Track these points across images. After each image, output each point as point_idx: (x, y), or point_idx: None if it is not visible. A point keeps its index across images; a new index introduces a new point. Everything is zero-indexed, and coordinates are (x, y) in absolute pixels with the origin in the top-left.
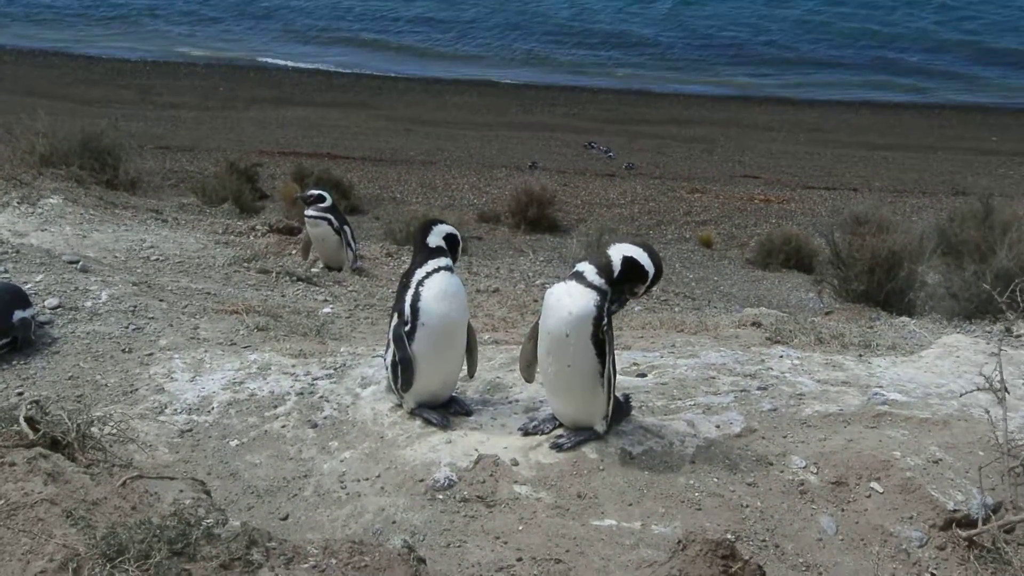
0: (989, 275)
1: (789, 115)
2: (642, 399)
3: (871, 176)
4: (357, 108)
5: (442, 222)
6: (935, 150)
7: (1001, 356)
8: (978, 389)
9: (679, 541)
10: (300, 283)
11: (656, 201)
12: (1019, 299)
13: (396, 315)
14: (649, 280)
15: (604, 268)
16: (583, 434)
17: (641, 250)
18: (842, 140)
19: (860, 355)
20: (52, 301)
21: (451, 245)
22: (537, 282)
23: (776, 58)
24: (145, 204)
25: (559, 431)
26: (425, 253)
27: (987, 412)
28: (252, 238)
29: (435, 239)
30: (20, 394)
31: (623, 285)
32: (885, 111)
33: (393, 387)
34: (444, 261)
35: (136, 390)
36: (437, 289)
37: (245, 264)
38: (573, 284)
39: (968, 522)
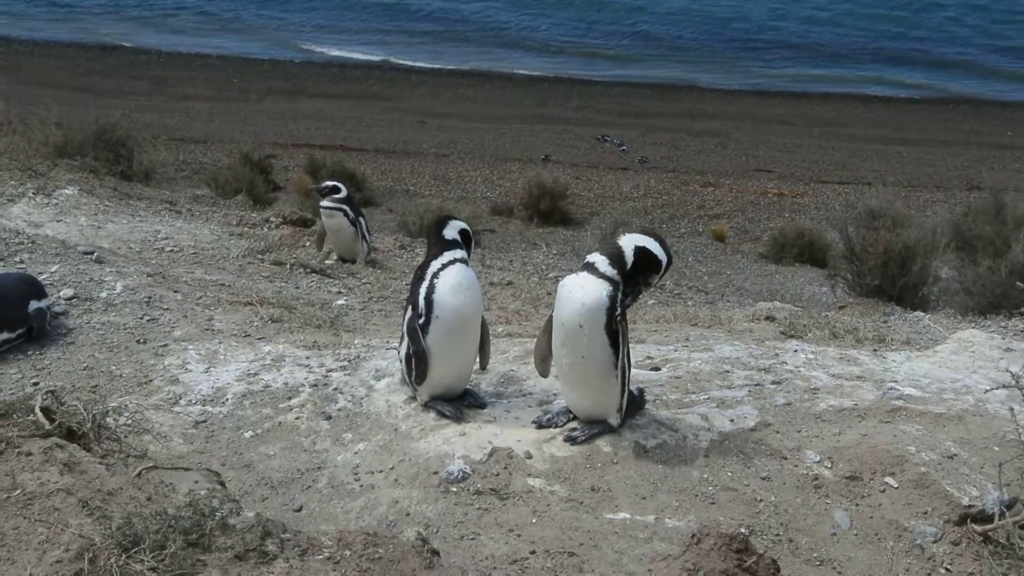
0: (1004, 270)
1: (803, 109)
2: (656, 392)
3: (885, 170)
4: (370, 100)
5: (456, 218)
6: (949, 145)
7: (1017, 351)
8: (1004, 386)
9: (693, 535)
10: (314, 275)
11: (669, 195)
12: None
13: (410, 308)
14: (663, 270)
15: (616, 258)
16: (597, 427)
17: (653, 239)
18: (856, 134)
19: (875, 350)
20: (67, 292)
21: (465, 241)
22: (550, 275)
23: (790, 52)
24: (159, 195)
25: (573, 424)
26: (441, 245)
27: (1011, 409)
28: (266, 230)
29: (451, 232)
30: (36, 384)
31: (637, 276)
32: (899, 105)
33: (407, 379)
34: (459, 253)
35: (151, 381)
36: (452, 282)
37: (259, 256)
38: (585, 275)
39: (983, 518)
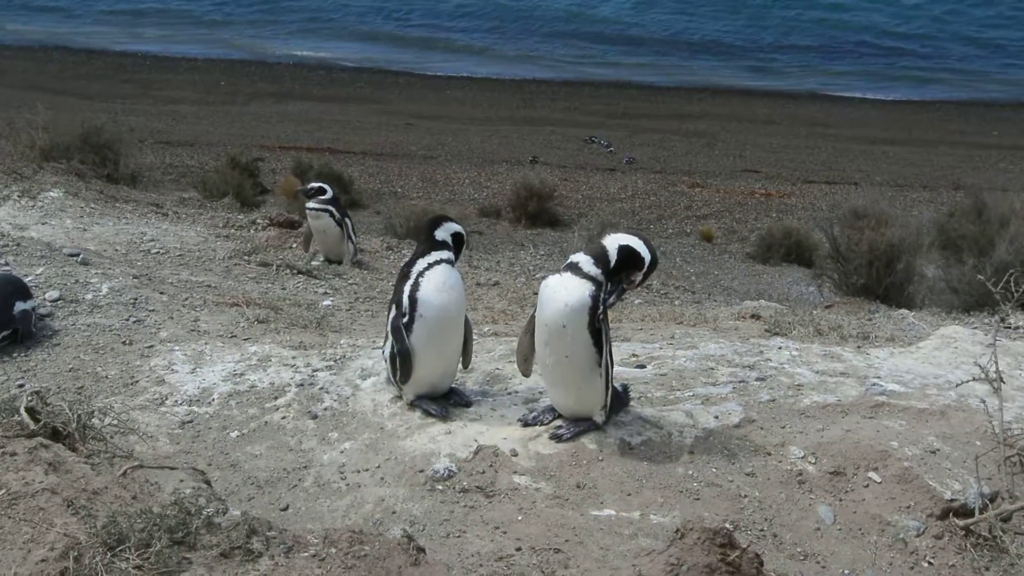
0: (989, 268)
1: (790, 109)
2: (641, 390)
3: (872, 170)
4: (358, 103)
5: (453, 221)
6: (936, 144)
7: (996, 346)
8: (973, 379)
9: (677, 530)
10: (300, 276)
11: (657, 195)
12: (1014, 289)
13: (394, 307)
14: (646, 267)
15: (600, 258)
16: (582, 425)
17: (637, 238)
18: (843, 135)
19: (858, 347)
20: (53, 293)
21: (456, 243)
22: (537, 275)
23: (777, 53)
24: (146, 198)
25: (558, 422)
26: (429, 243)
27: (983, 402)
28: (252, 231)
29: (442, 233)
30: (21, 386)
31: (620, 274)
32: (886, 105)
33: (392, 379)
34: (446, 254)
35: (137, 382)
36: (437, 281)
37: (245, 257)
38: (568, 275)
39: (965, 511)
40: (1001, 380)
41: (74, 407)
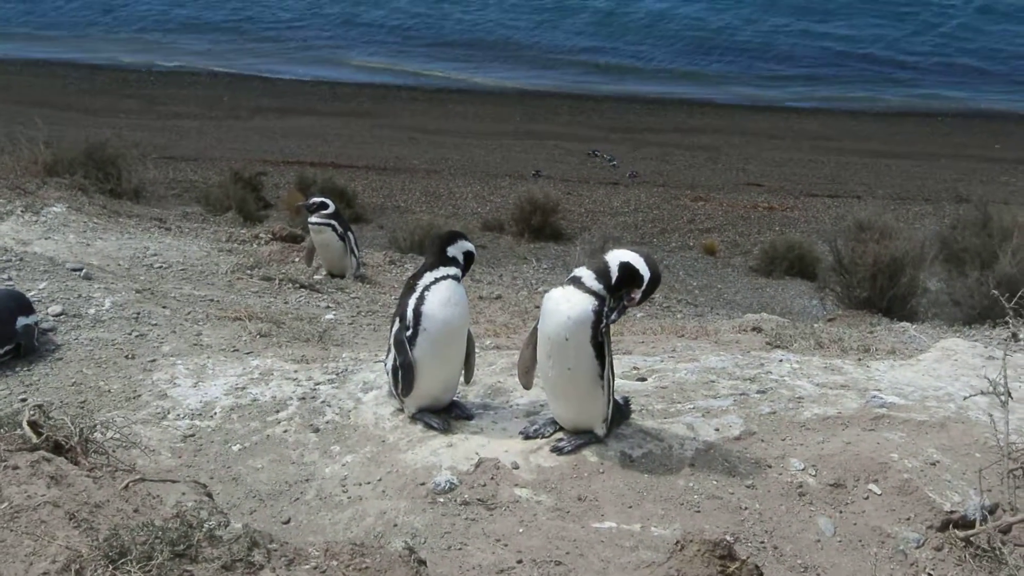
0: (992, 281)
1: (793, 123)
2: (642, 403)
3: (874, 184)
4: (361, 117)
5: (466, 238)
6: (938, 158)
7: (999, 358)
8: (982, 393)
9: (677, 542)
10: (303, 290)
11: (660, 209)
12: None
13: (398, 320)
14: (645, 285)
15: (602, 273)
16: (583, 437)
17: (638, 256)
18: (846, 148)
19: (859, 359)
20: (55, 308)
21: (466, 261)
22: (540, 289)
23: (780, 67)
24: (149, 213)
25: (559, 435)
26: (438, 258)
27: (990, 416)
28: (255, 246)
29: (454, 250)
30: (23, 400)
31: (620, 291)
32: (888, 119)
33: (394, 392)
34: (453, 270)
35: (139, 396)
36: (442, 296)
37: (248, 271)
38: (571, 289)
39: (965, 523)
40: (1009, 394)
41: (76, 421)
